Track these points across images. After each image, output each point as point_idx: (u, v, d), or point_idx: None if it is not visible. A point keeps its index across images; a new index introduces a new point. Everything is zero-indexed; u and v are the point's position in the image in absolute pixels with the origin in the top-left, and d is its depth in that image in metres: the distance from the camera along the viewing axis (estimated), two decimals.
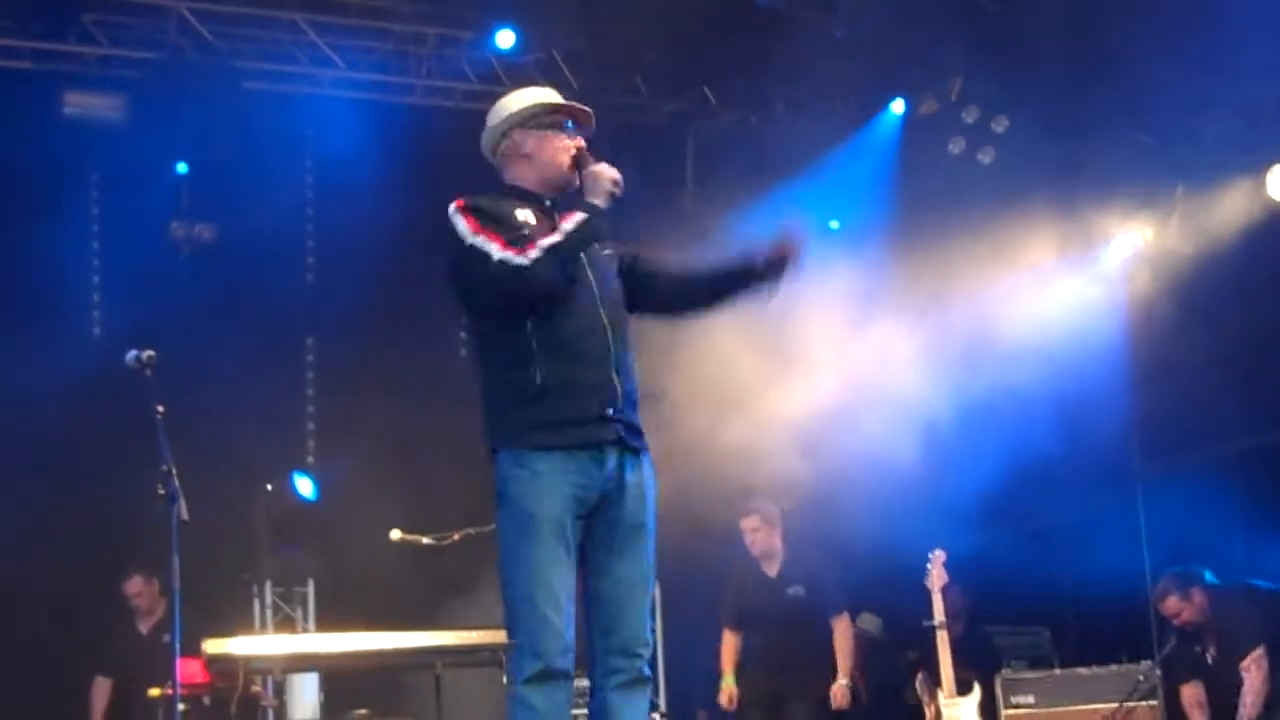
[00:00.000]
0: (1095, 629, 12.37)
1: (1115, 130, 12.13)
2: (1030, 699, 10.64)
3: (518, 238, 5.72)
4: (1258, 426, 12.62)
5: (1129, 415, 12.92)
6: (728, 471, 11.20)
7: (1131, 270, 13.06)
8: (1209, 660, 10.43)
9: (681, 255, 6.50)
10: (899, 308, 12.51)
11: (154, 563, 10.45)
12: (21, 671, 11.38)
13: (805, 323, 11.88)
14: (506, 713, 5.74)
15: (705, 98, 13.48)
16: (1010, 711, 10.62)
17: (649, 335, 6.57)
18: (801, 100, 13.17)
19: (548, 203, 6.01)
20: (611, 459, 5.81)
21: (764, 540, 10.52)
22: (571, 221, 5.75)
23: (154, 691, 9.78)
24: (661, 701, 11.42)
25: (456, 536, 10.13)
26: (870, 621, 13.72)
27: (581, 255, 5.81)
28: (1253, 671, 10.04)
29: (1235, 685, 10.23)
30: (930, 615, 10.42)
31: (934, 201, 12.44)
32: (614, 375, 5.83)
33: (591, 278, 5.89)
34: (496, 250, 5.68)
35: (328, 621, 11.92)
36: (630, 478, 5.86)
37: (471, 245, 5.73)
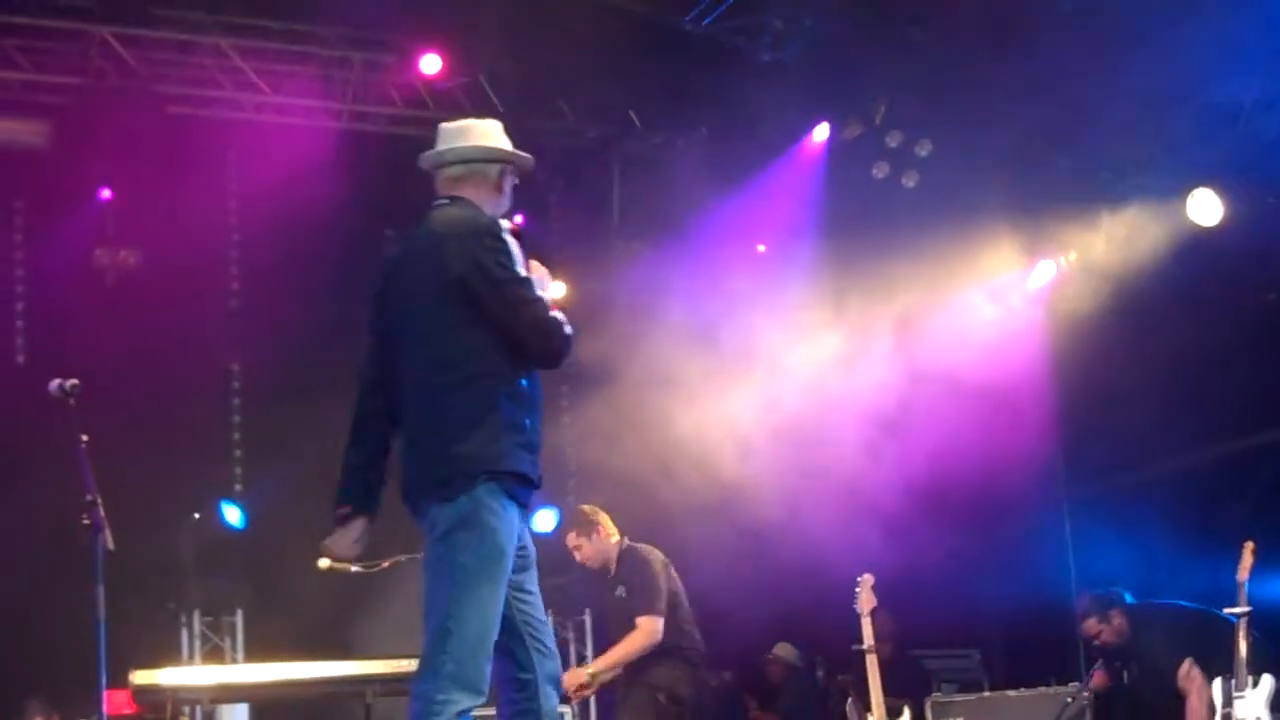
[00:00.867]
0: (1024, 651, 12.45)
1: (1038, 155, 12.24)
2: None
3: None
4: (1182, 448, 12.77)
5: (1055, 438, 13.03)
6: (639, 495, 11.22)
7: (1055, 293, 13.17)
8: (1126, 680, 10.52)
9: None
10: (823, 331, 12.58)
11: (54, 697, 10.41)
12: None
13: (726, 346, 11.96)
14: None
15: (630, 121, 13.50)
16: None
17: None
18: (727, 124, 13.20)
19: None
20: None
21: (588, 554, 10.27)
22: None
23: None
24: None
25: (386, 564, 10.05)
26: (787, 650, 13.81)
27: None
28: (1191, 691, 10.16)
29: (1154, 705, 10.34)
30: (859, 639, 10.42)
31: (859, 225, 12.50)
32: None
33: None
34: (545, 300, 5.89)
35: (257, 651, 11.84)
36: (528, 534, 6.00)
37: (527, 280, 5.90)
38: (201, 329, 12.88)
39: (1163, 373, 12.07)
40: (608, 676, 9.72)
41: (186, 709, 9.83)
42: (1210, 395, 12.23)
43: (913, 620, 11.85)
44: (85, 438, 6.91)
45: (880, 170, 12.82)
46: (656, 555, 9.79)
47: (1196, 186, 12.15)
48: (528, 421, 5.84)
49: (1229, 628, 9.81)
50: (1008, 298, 13.27)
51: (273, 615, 12.02)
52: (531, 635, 5.95)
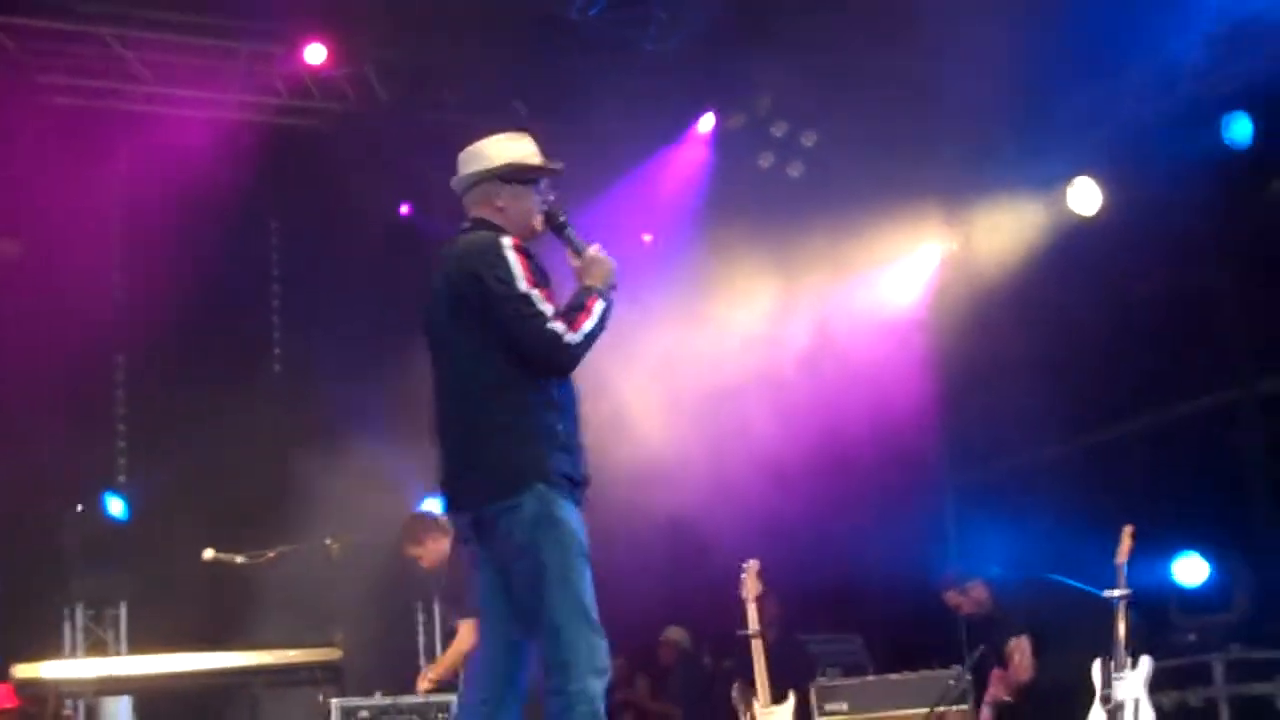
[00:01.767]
0: (908, 635, 12.56)
1: (922, 145, 12.36)
2: (844, 705, 10.75)
3: (567, 310, 6.00)
4: (1062, 435, 12.95)
5: (938, 424, 13.18)
6: None
7: (939, 281, 13.32)
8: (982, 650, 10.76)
9: None
10: (707, 319, 12.64)
11: None
12: None
13: (610, 333, 11.98)
14: None
15: (517, 112, 13.49)
16: (824, 719, 10.74)
17: None
18: (613, 114, 13.23)
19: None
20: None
21: (425, 559, 10.20)
22: (599, 307, 6.07)
23: None
24: None
25: (271, 554, 10.07)
26: (678, 633, 13.90)
27: None
28: (1016, 657, 10.43)
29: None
30: (745, 624, 10.50)
31: (744, 214, 12.57)
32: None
33: None
34: (550, 313, 5.93)
35: (140, 643, 11.73)
36: None
37: (526, 294, 5.92)
38: (85, 319, 12.72)
39: (1043, 360, 12.25)
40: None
41: (69, 702, 9.76)
42: (1089, 383, 12.42)
43: (799, 605, 11.93)
44: None
45: (765, 160, 12.91)
46: None
47: (1076, 175, 12.34)
48: (561, 426, 5.99)
49: (1104, 605, 10.03)
50: (892, 286, 13.40)
51: (157, 607, 11.90)
52: None
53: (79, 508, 11.97)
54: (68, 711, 9.79)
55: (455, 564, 9.46)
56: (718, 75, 12.73)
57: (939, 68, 11.30)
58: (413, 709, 9.90)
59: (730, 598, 10.73)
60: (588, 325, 6.01)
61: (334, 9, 11.95)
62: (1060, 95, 11.53)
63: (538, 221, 6.25)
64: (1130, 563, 10.23)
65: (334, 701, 9.74)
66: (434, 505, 11.98)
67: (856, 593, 12.89)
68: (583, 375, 6.13)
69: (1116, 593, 10.05)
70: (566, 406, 6.05)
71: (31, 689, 9.07)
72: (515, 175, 6.24)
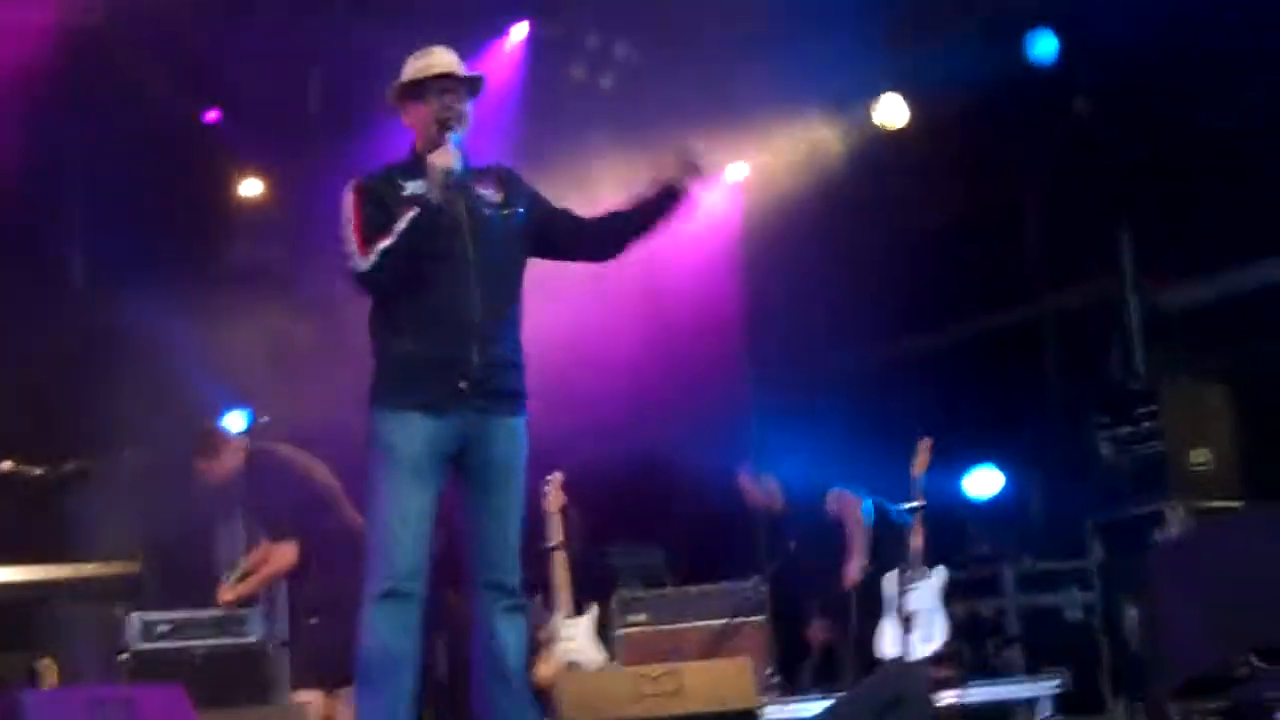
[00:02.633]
0: (709, 547, 12.69)
1: (732, 59, 12.37)
2: (643, 617, 10.86)
3: (373, 235, 6.28)
4: (863, 346, 13.17)
5: (742, 337, 13.30)
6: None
7: (747, 194, 13.41)
8: (791, 548, 10.98)
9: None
10: None
11: None
12: None
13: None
14: None
15: (332, 14, 13.25)
16: (623, 630, 10.82)
17: None
18: (420, 22, 13.05)
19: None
20: (469, 418, 6.34)
21: (213, 474, 9.92)
22: (404, 220, 6.26)
23: None
24: None
25: (71, 467, 9.97)
26: None
27: (464, 223, 6.44)
28: (845, 512, 10.80)
29: (819, 566, 11.07)
30: (546, 538, 10.54)
31: (558, 127, 12.52)
32: (473, 348, 6.33)
33: (469, 245, 6.43)
34: (352, 247, 6.31)
35: None
36: (497, 431, 6.44)
37: (339, 235, 6.35)
38: None
39: (845, 274, 12.40)
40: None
41: None
42: (890, 297, 12.60)
43: (600, 518, 11.99)
44: None
45: (578, 72, 12.86)
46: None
47: (885, 91, 12.49)
48: (405, 346, 6.49)
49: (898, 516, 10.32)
50: (701, 198, 13.42)
51: None
52: None
53: None
54: None
55: (261, 485, 9.39)
56: None
57: None
58: (213, 621, 9.88)
59: (535, 511, 10.77)
60: (384, 244, 6.25)
61: None
62: (868, 10, 11.59)
63: (434, 131, 6.51)
64: (927, 475, 10.49)
65: (133, 615, 9.69)
66: (236, 419, 11.92)
67: (660, 504, 13.00)
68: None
69: (913, 505, 10.31)
70: (417, 322, 6.36)
71: None
72: (407, 92, 6.64)
